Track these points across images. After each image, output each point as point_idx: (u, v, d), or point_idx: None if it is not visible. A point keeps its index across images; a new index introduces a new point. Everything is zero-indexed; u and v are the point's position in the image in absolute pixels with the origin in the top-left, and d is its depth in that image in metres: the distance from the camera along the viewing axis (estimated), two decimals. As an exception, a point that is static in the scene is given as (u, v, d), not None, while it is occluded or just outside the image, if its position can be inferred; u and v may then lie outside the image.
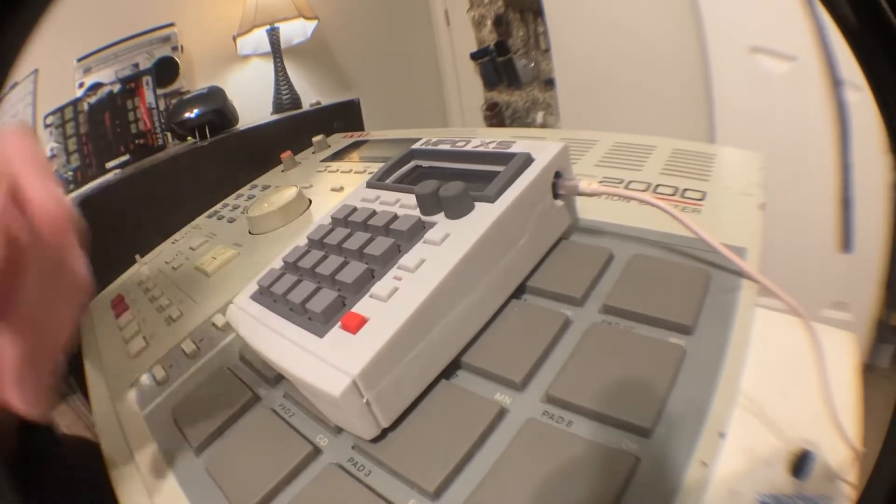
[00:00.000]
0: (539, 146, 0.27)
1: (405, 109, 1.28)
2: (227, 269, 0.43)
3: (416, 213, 0.25)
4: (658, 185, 0.34)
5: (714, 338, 0.22)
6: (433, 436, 0.21)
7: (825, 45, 0.68)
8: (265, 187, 0.60)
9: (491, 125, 1.35)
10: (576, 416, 0.20)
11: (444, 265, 0.22)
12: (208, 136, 0.81)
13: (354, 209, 0.28)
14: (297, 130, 0.81)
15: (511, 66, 1.27)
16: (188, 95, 0.87)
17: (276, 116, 1.00)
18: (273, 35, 0.99)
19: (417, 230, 0.24)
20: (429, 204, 0.25)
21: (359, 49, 1.17)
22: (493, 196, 0.24)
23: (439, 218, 0.25)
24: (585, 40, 1.00)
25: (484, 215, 0.24)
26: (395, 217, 0.25)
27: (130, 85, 0.88)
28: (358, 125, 0.95)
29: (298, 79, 1.07)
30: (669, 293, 0.23)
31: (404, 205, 0.27)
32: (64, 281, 0.16)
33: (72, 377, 0.41)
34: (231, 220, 0.54)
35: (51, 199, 0.16)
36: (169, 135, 0.89)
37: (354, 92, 1.11)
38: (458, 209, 0.24)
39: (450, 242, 0.23)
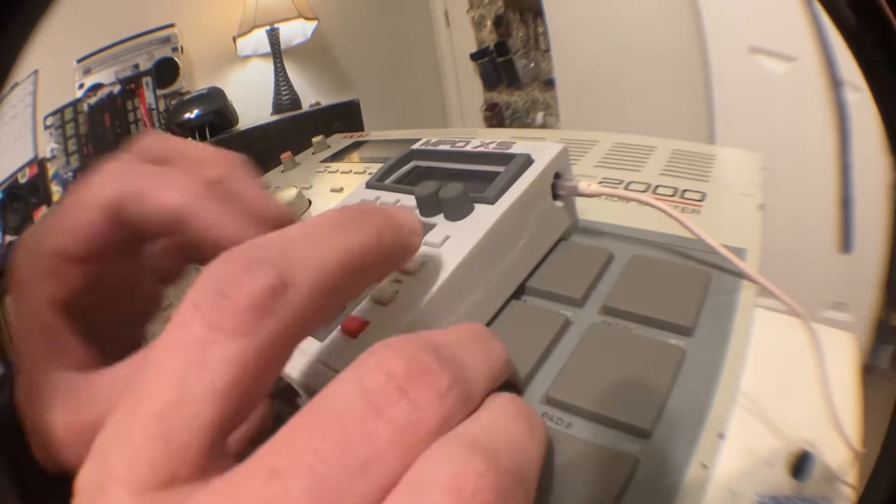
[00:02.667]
0: (539, 147, 0.27)
1: (405, 110, 1.28)
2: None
3: (416, 214, 0.25)
4: (658, 186, 0.34)
5: (714, 339, 0.22)
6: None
7: (825, 46, 0.68)
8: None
9: (491, 125, 1.35)
10: (575, 417, 0.20)
11: (445, 268, 0.21)
12: (208, 136, 0.82)
13: None
14: (297, 131, 0.81)
15: (511, 67, 1.27)
16: (188, 96, 0.87)
17: (275, 117, 1.00)
18: (273, 36, 0.99)
19: None
20: (428, 205, 0.25)
21: (359, 49, 1.17)
22: (493, 198, 0.24)
23: (439, 219, 0.24)
24: (585, 40, 1.00)
25: (484, 217, 0.23)
26: None
27: (130, 86, 0.88)
28: (358, 126, 0.95)
29: (298, 79, 1.07)
30: (669, 294, 0.23)
31: (404, 206, 0.27)
32: None
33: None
34: (231, 221, 0.54)
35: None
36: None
37: (354, 92, 1.11)
38: (457, 211, 0.24)
39: (450, 245, 0.23)
